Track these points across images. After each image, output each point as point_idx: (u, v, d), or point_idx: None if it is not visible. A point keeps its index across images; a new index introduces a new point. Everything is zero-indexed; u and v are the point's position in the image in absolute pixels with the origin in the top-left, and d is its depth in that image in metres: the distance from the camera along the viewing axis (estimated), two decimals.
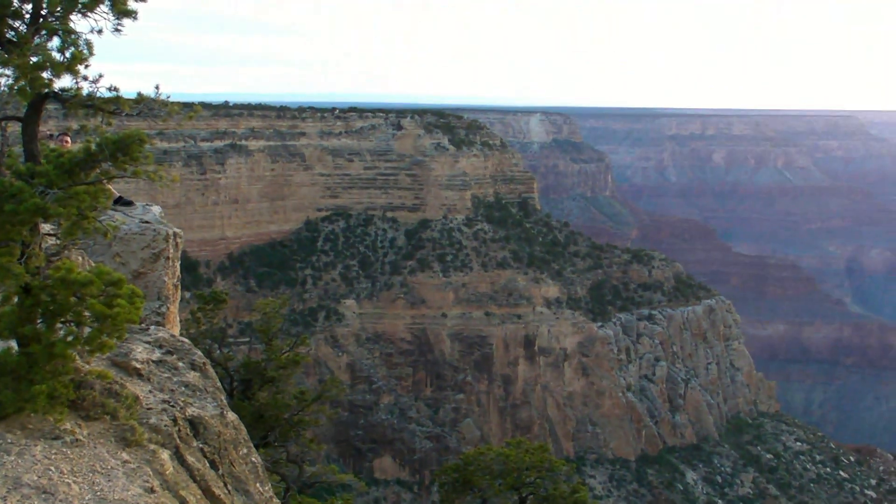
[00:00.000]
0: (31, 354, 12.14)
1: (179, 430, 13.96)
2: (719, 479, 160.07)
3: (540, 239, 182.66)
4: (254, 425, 30.87)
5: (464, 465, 40.74)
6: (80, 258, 17.05)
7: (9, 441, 11.89)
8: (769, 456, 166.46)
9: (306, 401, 34.46)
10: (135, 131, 12.63)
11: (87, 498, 11.39)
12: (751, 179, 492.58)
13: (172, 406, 14.37)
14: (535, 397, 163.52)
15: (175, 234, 20.55)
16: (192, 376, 15.72)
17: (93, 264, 16.76)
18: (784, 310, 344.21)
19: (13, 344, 12.61)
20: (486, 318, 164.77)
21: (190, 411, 14.61)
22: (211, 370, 16.62)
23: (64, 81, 12.66)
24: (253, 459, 16.00)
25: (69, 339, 12.27)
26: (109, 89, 13.03)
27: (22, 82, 12.35)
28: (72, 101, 12.93)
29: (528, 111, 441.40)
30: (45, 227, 13.56)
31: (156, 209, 22.03)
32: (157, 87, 13.55)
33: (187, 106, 15.64)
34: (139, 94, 13.46)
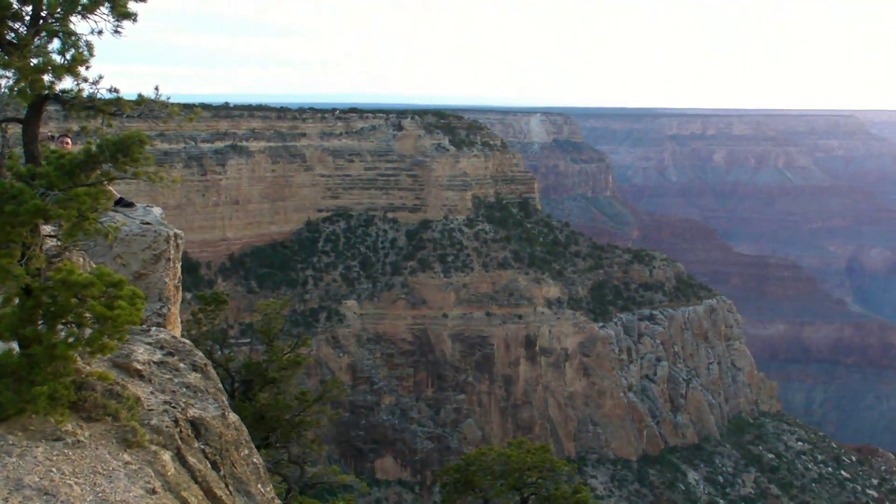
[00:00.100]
0: (32, 356, 12.14)
1: (181, 432, 13.96)
2: (721, 478, 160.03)
3: (541, 239, 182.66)
4: (255, 426, 30.88)
5: (465, 465, 40.76)
6: (80, 259, 17.05)
7: (10, 442, 11.89)
8: (771, 456, 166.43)
9: (307, 401, 34.48)
10: (135, 132, 12.64)
11: (88, 499, 11.39)
12: (751, 179, 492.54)
13: (174, 407, 14.37)
14: (537, 397, 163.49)
15: (176, 236, 20.55)
16: (194, 377, 15.73)
17: (94, 266, 16.77)
18: (785, 309, 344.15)
19: (14, 345, 12.61)
20: (487, 319, 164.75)
21: (191, 412, 14.61)
22: (212, 371, 16.62)
23: (64, 83, 12.67)
24: (254, 460, 16.00)
25: (70, 340, 12.27)
26: (110, 91, 13.04)
27: (22, 84, 12.35)
28: (72, 103, 12.94)
29: (529, 111, 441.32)
30: (46, 229, 13.56)
31: (156, 210, 22.03)
32: (157, 89, 13.56)
33: (188, 107, 15.65)
34: (140, 96, 13.46)
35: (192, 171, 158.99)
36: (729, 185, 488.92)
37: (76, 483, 11.55)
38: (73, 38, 12.51)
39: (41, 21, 12.59)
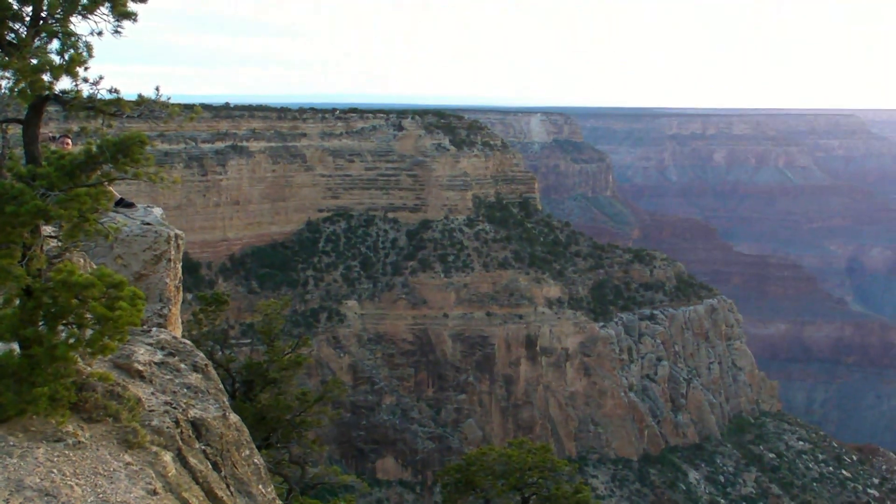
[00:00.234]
0: (32, 357, 12.14)
1: (182, 432, 13.95)
2: (722, 478, 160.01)
3: (541, 239, 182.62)
4: (256, 427, 30.88)
5: (466, 465, 40.77)
6: (81, 260, 17.04)
7: (11, 443, 11.88)
8: (771, 455, 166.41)
9: (308, 402, 34.50)
10: (136, 133, 12.63)
11: (89, 500, 11.38)
12: (752, 179, 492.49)
13: (175, 408, 14.36)
14: (537, 397, 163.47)
15: (176, 236, 20.54)
16: (195, 378, 15.72)
17: (94, 266, 16.76)
18: (785, 309, 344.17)
19: (15, 346, 12.60)
20: (487, 319, 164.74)
21: (192, 413, 14.60)
22: (213, 372, 16.62)
23: (63, 83, 12.66)
24: (255, 461, 15.99)
25: (71, 341, 12.26)
26: (110, 91, 13.03)
27: (22, 85, 12.34)
28: (72, 104, 12.93)
29: (529, 111, 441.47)
30: (47, 230, 13.55)
31: (157, 211, 22.02)
32: (157, 89, 13.56)
33: (188, 107, 15.64)
34: (140, 96, 13.45)
35: (192, 172, 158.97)
36: (729, 185, 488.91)
37: (77, 484, 11.54)
38: (72, 38, 12.51)
39: (41, 21, 12.58)
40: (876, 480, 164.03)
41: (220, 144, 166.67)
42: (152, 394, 14.56)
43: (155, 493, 12.12)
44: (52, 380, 12.23)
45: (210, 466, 14.24)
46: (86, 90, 12.85)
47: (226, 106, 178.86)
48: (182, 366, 15.90)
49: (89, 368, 13.34)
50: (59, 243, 13.35)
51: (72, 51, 12.48)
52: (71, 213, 12.00)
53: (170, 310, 19.79)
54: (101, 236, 12.74)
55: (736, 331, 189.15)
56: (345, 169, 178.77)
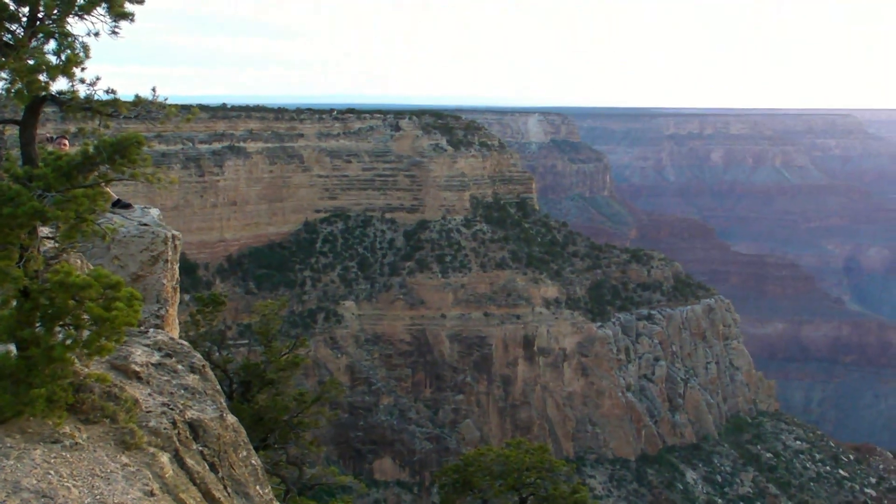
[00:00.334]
0: (29, 358, 12.12)
1: (179, 433, 13.94)
2: (719, 478, 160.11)
3: (538, 239, 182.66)
4: (253, 427, 30.87)
5: (464, 465, 40.76)
6: (78, 261, 17.02)
7: (8, 445, 11.86)
8: (769, 455, 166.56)
9: (306, 402, 34.48)
10: (133, 134, 12.61)
11: (86, 501, 11.36)
12: (749, 178, 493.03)
13: (172, 409, 14.35)
14: (535, 398, 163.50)
15: (174, 237, 20.51)
16: (192, 379, 15.71)
17: (91, 267, 16.73)
18: (783, 309, 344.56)
19: (12, 347, 12.58)
20: (485, 319, 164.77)
21: (189, 414, 14.59)
22: (210, 373, 16.61)
23: (59, 84, 12.65)
24: (253, 462, 15.98)
25: (68, 342, 12.24)
26: (107, 92, 13.01)
27: (19, 85, 12.33)
28: (69, 104, 12.91)
29: (526, 112, 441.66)
30: (44, 231, 13.53)
31: (154, 212, 21.99)
32: (154, 90, 13.55)
33: (185, 108, 15.64)
34: (137, 97, 13.44)
35: (189, 173, 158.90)
36: (727, 185, 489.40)
37: (74, 485, 11.53)
38: (69, 39, 12.49)
39: (38, 22, 12.56)
40: (873, 480, 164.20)
41: (217, 145, 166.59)
42: (149, 395, 14.55)
43: (152, 494, 12.11)
44: (49, 381, 12.21)
45: (207, 467, 14.23)
46: (83, 91, 12.84)
47: (223, 107, 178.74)
48: (179, 367, 15.89)
49: (86, 370, 13.32)
50: (56, 244, 13.34)
51: (68, 51, 12.46)
52: (68, 215, 11.98)
53: (167, 311, 19.77)
54: (98, 237, 12.72)
55: (733, 330, 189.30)
56: (342, 169, 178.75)
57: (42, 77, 12.38)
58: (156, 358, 15.81)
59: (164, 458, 13.11)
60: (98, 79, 12.86)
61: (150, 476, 12.51)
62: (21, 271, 12.01)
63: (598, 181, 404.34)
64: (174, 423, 13.98)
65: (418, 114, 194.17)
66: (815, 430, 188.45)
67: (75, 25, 12.68)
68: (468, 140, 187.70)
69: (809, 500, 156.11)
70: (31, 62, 12.31)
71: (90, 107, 13.02)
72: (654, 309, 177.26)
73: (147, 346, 16.16)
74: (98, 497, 11.53)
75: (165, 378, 15.35)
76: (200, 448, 14.38)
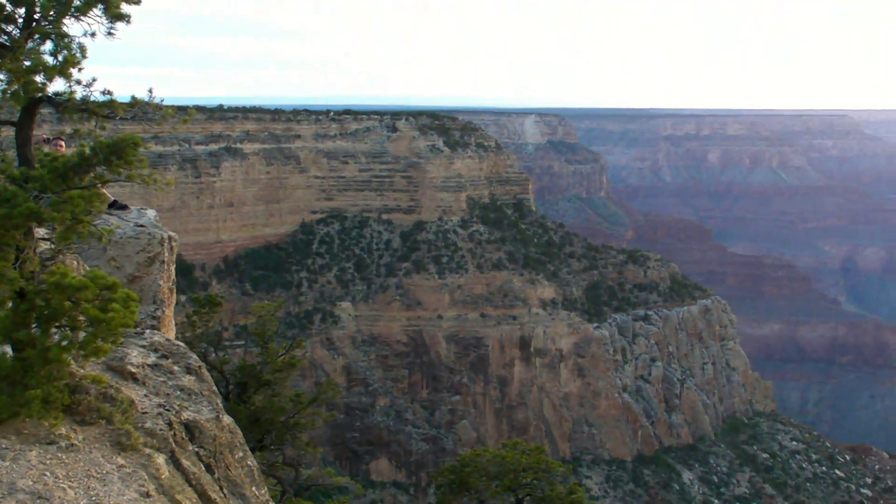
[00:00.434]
0: (25, 359, 12.12)
1: (175, 434, 13.94)
2: (715, 478, 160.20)
3: (535, 240, 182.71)
4: (250, 429, 30.86)
5: (460, 466, 40.78)
6: (74, 262, 17.02)
7: (3, 446, 11.86)
8: (765, 455, 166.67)
9: (302, 404, 34.48)
10: (129, 135, 12.62)
11: (82, 503, 11.37)
12: (746, 179, 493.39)
13: (168, 410, 14.35)
14: (531, 398, 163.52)
15: (170, 238, 20.51)
16: (188, 380, 15.71)
17: (87, 268, 16.73)
18: (780, 309, 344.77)
19: (8, 349, 12.58)
20: (481, 320, 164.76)
21: (185, 415, 14.59)
22: (206, 374, 16.61)
23: (56, 85, 12.66)
24: (249, 463, 15.98)
25: (64, 343, 12.24)
26: (103, 93, 13.02)
27: (15, 86, 12.33)
28: (65, 105, 12.92)
29: (523, 112, 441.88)
30: (40, 232, 13.54)
31: (150, 213, 21.98)
32: (150, 91, 13.56)
33: (181, 109, 15.62)
34: (133, 98, 13.45)
35: (186, 174, 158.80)
36: (723, 186, 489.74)
37: (70, 487, 11.53)
38: (65, 40, 12.50)
39: (34, 23, 12.57)
40: (869, 480, 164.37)
41: (213, 146, 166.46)
42: (145, 396, 14.55)
43: (148, 495, 12.11)
44: (45, 382, 12.21)
45: (203, 469, 14.23)
46: (79, 92, 12.86)
47: (219, 108, 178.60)
48: (175, 368, 15.90)
49: (82, 371, 13.32)
50: (53, 245, 13.35)
51: (65, 52, 12.48)
52: (64, 216, 11.99)
53: (163, 312, 19.77)
54: (94, 238, 12.73)
55: (730, 331, 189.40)
56: (339, 170, 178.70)
57: (39, 78, 12.39)
58: (152, 359, 15.82)
59: (160, 459, 13.12)
60: (94, 80, 12.88)
61: (146, 477, 12.51)
62: (17, 272, 12.01)
63: (594, 182, 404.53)
64: (170, 425, 13.98)
65: (415, 115, 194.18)
66: (811, 430, 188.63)
67: (72, 26, 12.70)
68: (465, 141, 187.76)
69: (805, 501, 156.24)
70: (27, 63, 12.33)
71: (86, 108, 13.03)
72: (651, 310, 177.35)
73: (143, 347, 16.17)
74: (94, 498, 11.54)
75: (161, 379, 15.36)
76: (196, 449, 14.39)
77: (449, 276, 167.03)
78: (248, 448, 16.41)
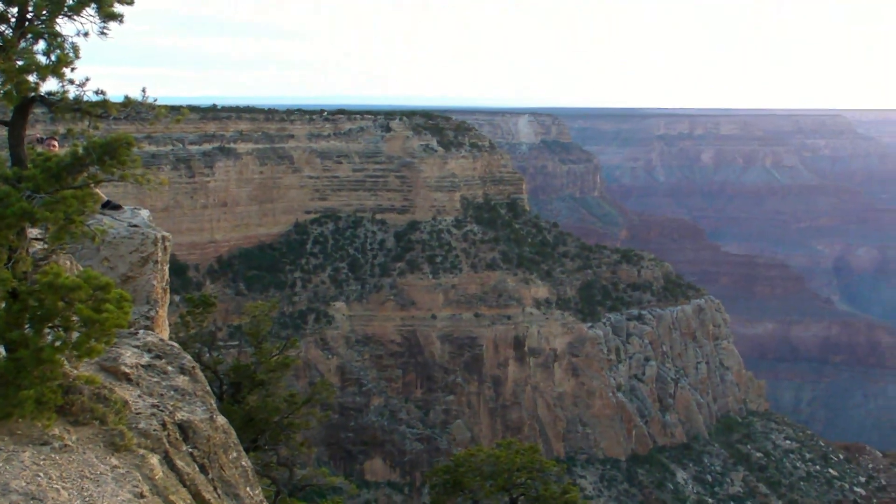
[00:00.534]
0: (18, 360, 12.08)
1: (169, 435, 13.91)
2: (709, 477, 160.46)
3: (529, 240, 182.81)
4: (244, 429, 30.81)
5: (454, 466, 40.76)
6: (67, 262, 16.98)
7: None
8: (759, 454, 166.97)
9: (296, 404, 34.41)
10: (122, 135, 12.59)
11: (76, 503, 11.34)
12: (739, 179, 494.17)
13: (162, 410, 14.32)
14: (526, 398, 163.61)
15: (164, 238, 20.47)
16: (182, 380, 15.68)
17: (81, 269, 16.69)
18: (773, 309, 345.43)
19: (1, 349, 12.54)
20: (475, 320, 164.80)
21: (179, 415, 14.56)
22: (200, 374, 16.58)
23: (49, 85, 12.63)
24: (243, 463, 15.96)
25: (57, 344, 12.21)
26: (96, 93, 12.99)
27: (8, 86, 12.30)
28: (58, 105, 12.88)
29: (517, 112, 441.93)
30: (33, 232, 13.50)
31: (144, 213, 21.94)
32: (144, 91, 13.53)
33: (175, 109, 15.61)
34: (126, 98, 13.42)
35: (179, 174, 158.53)
36: (717, 185, 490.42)
37: (63, 488, 11.50)
38: (58, 39, 12.47)
39: (27, 22, 12.53)
40: (862, 479, 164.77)
41: (207, 146, 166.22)
42: (139, 396, 14.52)
43: (142, 496, 12.08)
44: (39, 383, 12.18)
45: (197, 469, 14.20)
46: (72, 92, 12.83)
47: (213, 108, 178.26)
48: (169, 368, 15.87)
49: (76, 371, 13.29)
50: (46, 246, 13.31)
51: (58, 52, 12.45)
52: (57, 216, 11.96)
53: (157, 312, 19.73)
54: (87, 238, 12.70)
55: (723, 330, 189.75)
56: (332, 170, 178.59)
57: (31, 78, 12.36)
58: (145, 359, 15.78)
59: (154, 459, 13.09)
60: (87, 79, 12.85)
61: (140, 478, 12.49)
62: (9, 273, 11.98)
63: (588, 182, 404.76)
64: (164, 425, 13.95)
65: (409, 115, 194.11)
66: (804, 429, 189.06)
67: (65, 26, 12.67)
68: (459, 141, 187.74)
69: (799, 500, 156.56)
70: (20, 63, 12.29)
71: (79, 108, 12.99)
72: (645, 309, 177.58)
73: (137, 347, 16.13)
74: (87, 499, 11.51)
75: (155, 379, 15.32)
76: (190, 450, 14.36)
77: (443, 275, 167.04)
78: (242, 448, 16.38)
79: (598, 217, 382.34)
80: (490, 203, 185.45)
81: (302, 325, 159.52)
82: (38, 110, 13.52)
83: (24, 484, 11.23)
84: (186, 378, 15.84)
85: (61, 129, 13.94)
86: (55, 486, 11.45)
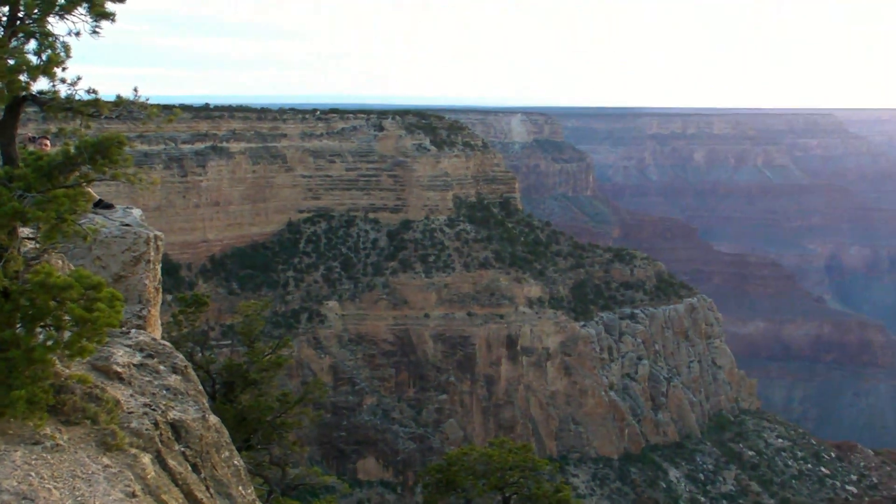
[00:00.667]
0: (10, 359, 12.05)
1: (161, 434, 13.90)
2: (702, 476, 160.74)
3: (522, 239, 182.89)
4: (236, 428, 30.77)
5: (447, 465, 40.78)
6: (59, 262, 16.94)
7: None
8: (751, 453, 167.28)
9: (289, 403, 34.41)
10: (114, 134, 12.59)
11: (67, 503, 11.32)
12: (731, 178, 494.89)
13: (154, 410, 14.31)
14: (518, 397, 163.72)
15: (156, 237, 20.44)
16: (174, 380, 15.66)
17: (72, 268, 16.66)
18: (765, 308, 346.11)
19: None
20: (468, 319, 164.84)
21: (171, 415, 14.55)
22: (192, 373, 16.56)
23: (40, 84, 12.61)
24: (235, 462, 15.95)
25: (49, 343, 12.19)
26: (88, 92, 12.97)
27: None
28: (50, 104, 12.86)
29: (510, 111, 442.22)
30: (25, 231, 13.47)
31: (136, 212, 21.90)
32: (136, 90, 13.51)
33: (167, 108, 15.60)
34: (118, 97, 13.40)
35: (172, 173, 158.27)
36: (709, 184, 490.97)
37: (55, 487, 11.48)
38: (49, 38, 12.45)
39: (18, 22, 12.51)
40: (854, 477, 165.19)
41: (199, 145, 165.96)
42: (131, 396, 14.50)
43: (134, 495, 12.07)
44: (30, 382, 12.15)
45: (190, 468, 14.19)
46: (64, 91, 12.81)
47: (205, 107, 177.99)
48: (161, 367, 15.85)
49: (67, 371, 13.27)
50: (37, 245, 13.28)
51: (49, 51, 12.43)
52: (48, 215, 11.94)
53: (149, 311, 19.70)
54: (79, 238, 12.68)
55: (716, 329, 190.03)
56: (325, 169, 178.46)
57: (23, 77, 12.34)
58: (138, 359, 15.76)
59: (146, 459, 13.08)
60: (79, 79, 12.84)
61: (132, 477, 12.47)
62: (1, 272, 11.95)
63: (581, 181, 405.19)
64: (156, 424, 13.94)
65: (401, 114, 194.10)
66: (796, 428, 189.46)
67: (56, 25, 12.65)
68: (451, 140, 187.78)
69: (791, 498, 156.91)
70: (11, 62, 12.27)
71: (71, 107, 12.98)
72: (637, 308, 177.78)
73: (129, 346, 16.11)
74: (79, 499, 11.49)
75: (147, 379, 15.31)
76: (183, 449, 14.35)
77: (436, 274, 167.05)
78: (234, 448, 16.37)
79: (590, 216, 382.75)
80: (483, 202, 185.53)
81: (295, 325, 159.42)
82: (30, 109, 13.50)
83: (15, 483, 11.22)
84: (179, 377, 15.83)
85: (53, 128, 13.92)
86: (47, 485, 11.43)
